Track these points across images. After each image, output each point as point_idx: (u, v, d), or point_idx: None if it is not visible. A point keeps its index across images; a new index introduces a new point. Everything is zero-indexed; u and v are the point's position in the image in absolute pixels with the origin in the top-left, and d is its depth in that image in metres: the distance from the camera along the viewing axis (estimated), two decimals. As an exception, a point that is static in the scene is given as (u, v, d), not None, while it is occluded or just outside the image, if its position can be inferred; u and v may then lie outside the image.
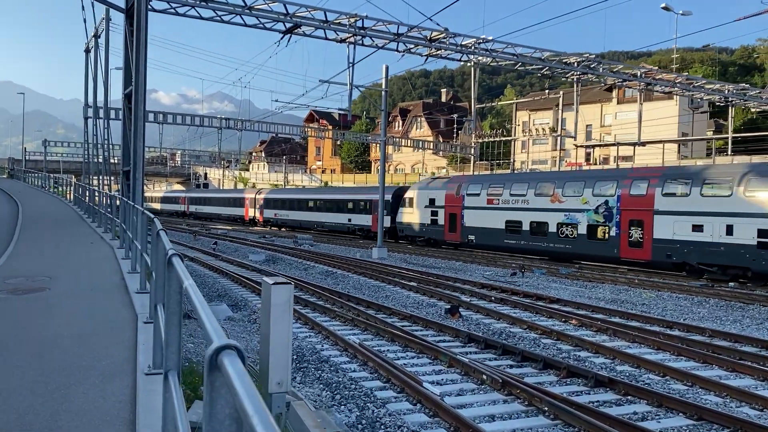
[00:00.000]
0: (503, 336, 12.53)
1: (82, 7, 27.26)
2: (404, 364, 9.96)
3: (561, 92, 58.64)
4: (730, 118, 38.54)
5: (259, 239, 41.02)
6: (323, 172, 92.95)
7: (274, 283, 6.57)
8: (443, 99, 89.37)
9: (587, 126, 69.49)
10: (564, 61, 25.93)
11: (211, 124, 49.56)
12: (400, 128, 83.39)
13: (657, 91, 31.15)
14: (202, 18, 20.71)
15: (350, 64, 23.43)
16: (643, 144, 38.06)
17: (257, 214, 59.13)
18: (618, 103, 68.16)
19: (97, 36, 35.07)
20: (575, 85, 29.33)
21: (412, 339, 11.24)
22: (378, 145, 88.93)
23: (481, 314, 14.96)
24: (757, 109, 54.62)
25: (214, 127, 50.39)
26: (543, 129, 71.21)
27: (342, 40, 22.56)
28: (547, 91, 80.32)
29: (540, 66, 25.71)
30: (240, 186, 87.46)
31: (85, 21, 28.34)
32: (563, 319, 14.34)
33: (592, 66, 26.53)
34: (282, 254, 30.39)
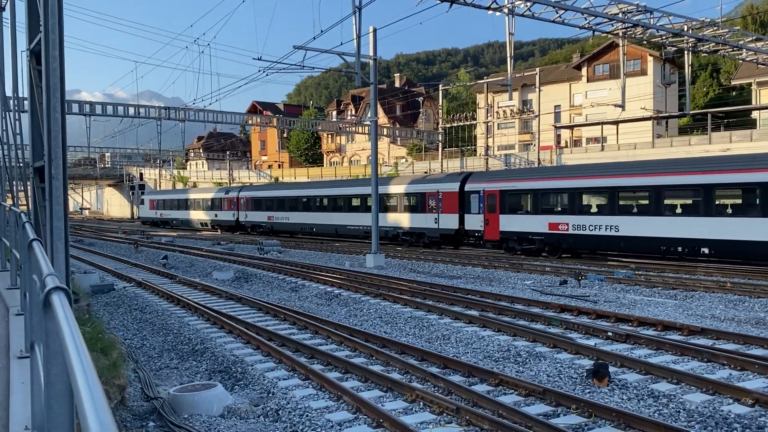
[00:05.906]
0: (744, 430, 7.08)
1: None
2: None
3: (537, 69, 53.87)
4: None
5: (214, 247, 34.59)
6: (270, 167, 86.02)
7: None
8: (397, 84, 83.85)
9: (555, 107, 65.26)
10: (607, 12, 20.66)
11: (148, 114, 42.27)
12: (353, 116, 77.42)
13: (703, 51, 26.47)
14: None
15: (356, 9, 17.31)
16: (668, 117, 33.44)
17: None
18: (588, 81, 64.08)
19: (1, 8, 28.35)
20: (621, 41, 24.16)
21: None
22: (330, 135, 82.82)
23: (634, 371, 9.42)
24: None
25: (152, 118, 43.09)
26: (508, 111, 66.59)
27: (342, -23, 16.64)
28: (509, 71, 75.65)
29: (582, 18, 20.35)
30: (179, 186, 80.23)
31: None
32: (774, 375, 9.03)
33: (636, 18, 21.39)
34: (253, 268, 24.23)
